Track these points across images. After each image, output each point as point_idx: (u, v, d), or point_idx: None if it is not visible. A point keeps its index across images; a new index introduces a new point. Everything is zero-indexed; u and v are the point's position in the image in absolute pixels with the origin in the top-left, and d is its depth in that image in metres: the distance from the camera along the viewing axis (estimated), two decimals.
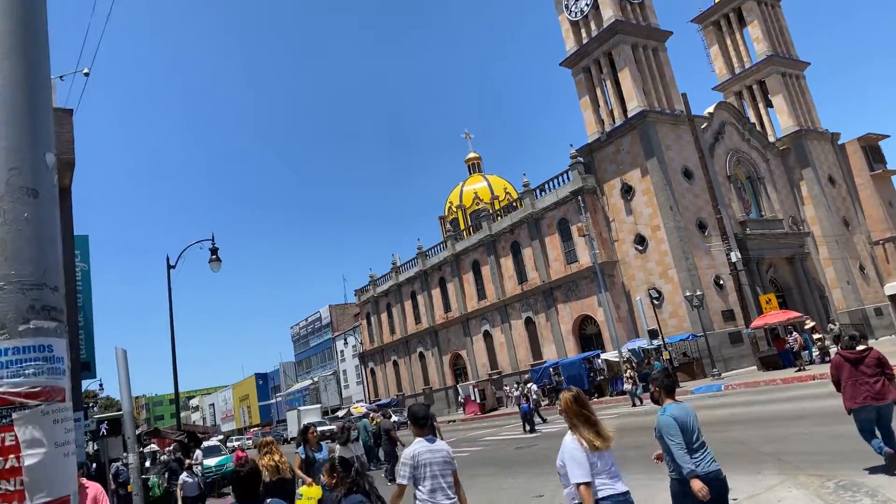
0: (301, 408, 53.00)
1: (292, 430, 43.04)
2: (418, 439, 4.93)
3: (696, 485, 4.46)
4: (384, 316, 60.36)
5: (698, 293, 31.11)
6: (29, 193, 1.53)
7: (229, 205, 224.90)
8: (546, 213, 40.74)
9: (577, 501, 4.09)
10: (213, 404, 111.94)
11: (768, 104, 46.96)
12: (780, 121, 45.58)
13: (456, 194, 62.98)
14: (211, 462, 20.45)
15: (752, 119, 45.68)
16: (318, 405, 57.67)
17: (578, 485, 4.04)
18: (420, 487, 4.73)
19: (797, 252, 40.72)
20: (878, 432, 7.36)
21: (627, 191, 36.93)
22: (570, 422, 4.35)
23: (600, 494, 4.09)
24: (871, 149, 48.04)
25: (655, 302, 33.65)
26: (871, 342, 35.88)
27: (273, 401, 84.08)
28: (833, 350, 27.91)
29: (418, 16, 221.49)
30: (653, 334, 30.21)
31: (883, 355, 7.68)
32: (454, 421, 39.06)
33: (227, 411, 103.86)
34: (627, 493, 4.22)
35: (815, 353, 27.58)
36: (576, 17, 40.47)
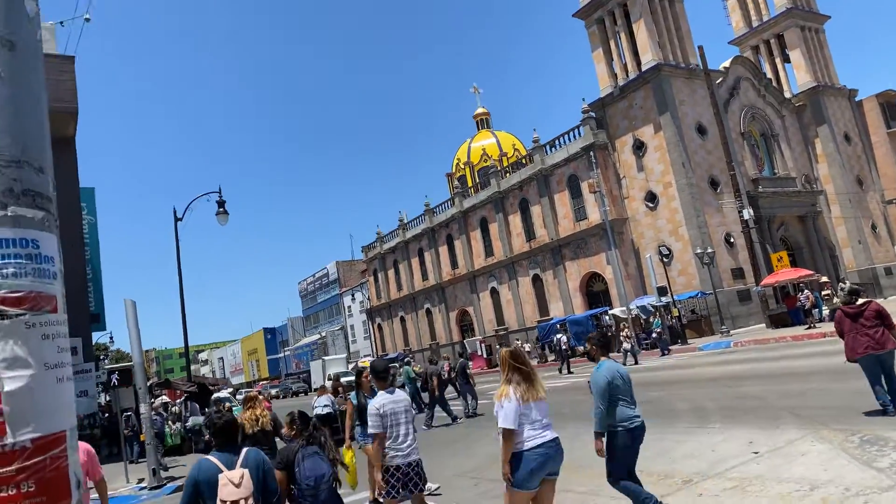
0: (326, 357, 52.34)
1: (316, 381, 42.08)
2: (381, 392, 5.51)
3: (598, 444, 5.07)
4: (391, 272, 60.39)
5: (709, 251, 30.76)
6: (1, 44, 1.14)
7: (238, 159, 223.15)
8: (556, 169, 40.13)
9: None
10: (221, 358, 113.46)
11: (785, 59, 45.65)
12: (797, 76, 44.38)
13: (464, 151, 62.14)
14: None
15: (769, 74, 44.49)
16: (344, 355, 57.42)
17: (502, 428, 4.43)
18: (388, 436, 5.32)
19: (809, 210, 40.17)
20: (884, 382, 7.67)
21: (639, 147, 36.23)
22: (504, 375, 4.61)
23: (529, 444, 4.37)
24: (889, 106, 46.84)
25: (665, 259, 33.31)
26: (880, 300, 35.75)
27: (281, 355, 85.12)
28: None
29: None
30: (661, 291, 30.00)
31: (882, 307, 7.95)
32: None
33: (235, 365, 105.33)
34: (555, 439, 4.51)
35: (826, 311, 27.39)
36: None
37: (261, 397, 8.78)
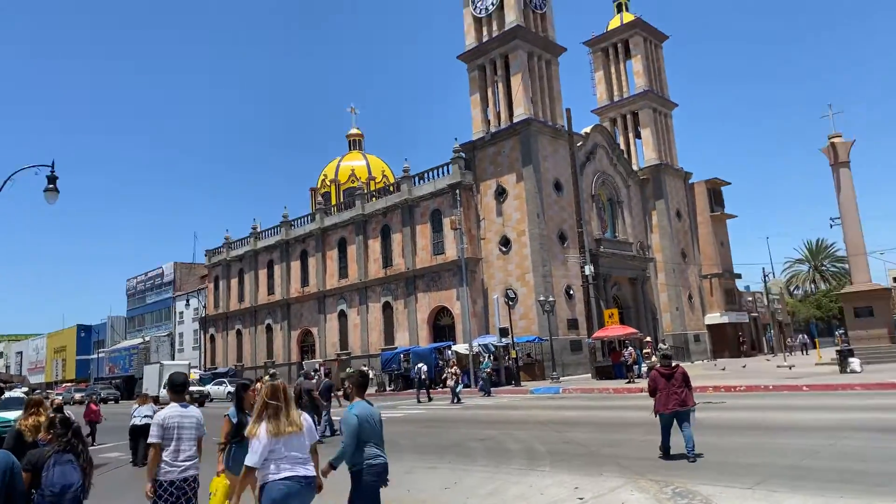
0: (166, 362, 44.65)
1: (149, 387, 36.12)
2: (172, 404, 5.62)
3: (326, 468, 5.11)
4: (234, 282, 57.24)
5: (550, 299, 32.57)
6: None
7: (70, 130, 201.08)
8: (422, 201, 40.70)
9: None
10: (20, 352, 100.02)
11: (637, 135, 50.45)
12: (645, 152, 49.17)
13: (332, 168, 61.19)
14: (10, 416, 17.82)
15: (622, 146, 48.82)
16: (187, 361, 49.06)
17: (246, 466, 4.48)
18: (166, 449, 5.34)
19: (640, 274, 44.12)
20: (682, 430, 9.27)
21: (501, 193, 37.85)
22: (257, 409, 4.67)
23: (275, 476, 4.42)
24: (714, 192, 53.27)
25: (510, 302, 34.76)
26: (687, 364, 39.76)
27: (94, 356, 76.68)
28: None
29: None
30: (503, 332, 31.20)
31: (686, 372, 9.77)
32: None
33: (37, 362, 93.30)
34: (308, 477, 4.55)
35: (644, 368, 29.95)
36: (480, 13, 40.73)
37: (47, 402, 7.71)
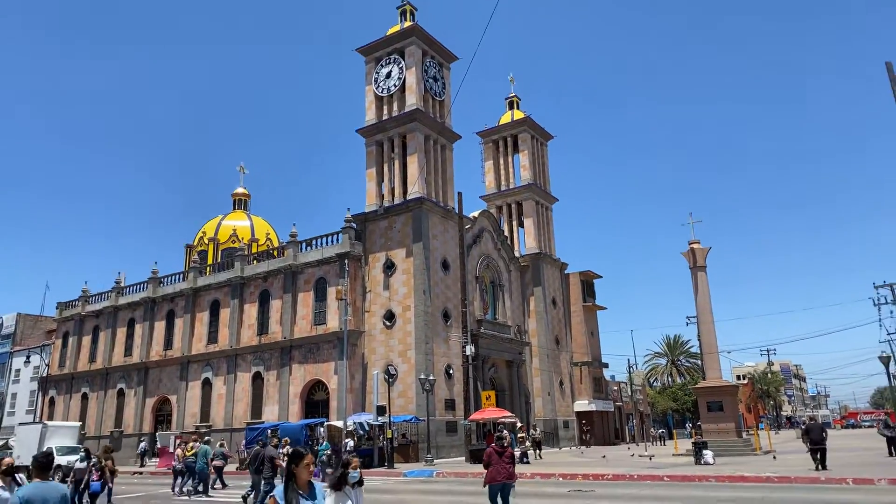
0: (50, 423, 37.26)
1: (21, 455, 29.19)
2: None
3: None
4: (87, 339, 52.03)
5: (430, 378, 32.34)
6: None
7: None
8: (307, 268, 39.75)
9: None
10: None
11: (520, 224, 53.05)
12: (527, 241, 51.66)
13: (212, 226, 58.59)
14: None
15: (506, 233, 51.01)
16: (78, 424, 39.43)
17: None
18: None
19: (516, 358, 45.20)
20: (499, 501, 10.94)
21: (390, 267, 37.90)
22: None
23: None
24: (587, 283, 56.57)
25: (390, 379, 34.12)
26: (554, 450, 40.50)
27: None
28: (530, 452, 30.79)
29: (229, 29, 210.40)
30: (381, 410, 30.34)
31: (513, 451, 12.03)
32: (140, 473, 34.15)
33: None
34: None
35: (518, 452, 30.13)
36: (382, 93, 41.93)
37: None
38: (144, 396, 46.10)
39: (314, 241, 40.65)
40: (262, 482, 15.32)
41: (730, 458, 25.51)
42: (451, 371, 37.39)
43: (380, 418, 30.22)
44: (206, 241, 57.37)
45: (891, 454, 22.36)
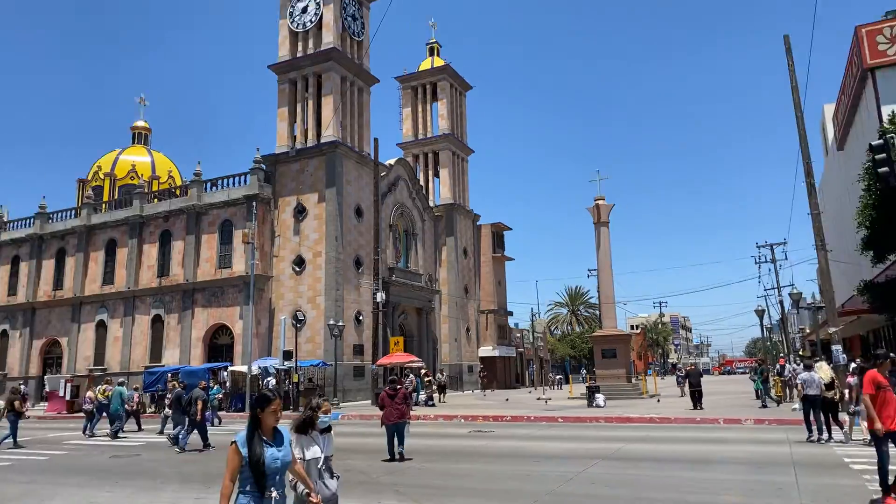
0: None
1: None
2: None
3: None
4: None
5: (340, 324, 32.43)
6: None
7: None
8: (212, 209, 38.20)
9: None
10: None
11: (436, 174, 53.10)
12: (441, 191, 51.92)
13: (108, 160, 54.80)
14: None
15: (422, 182, 50.95)
16: None
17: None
18: None
19: (426, 306, 46.00)
20: (396, 441, 12.38)
21: (301, 211, 37.09)
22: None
23: None
24: (497, 235, 57.92)
25: (298, 325, 33.87)
26: (458, 393, 42.01)
27: None
28: (435, 395, 31.81)
29: None
30: (287, 355, 30.21)
31: (407, 392, 13.93)
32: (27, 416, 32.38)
33: None
34: None
35: (423, 396, 31.13)
36: (297, 28, 40.01)
37: None
38: (31, 338, 43.41)
39: (220, 182, 38.99)
40: (187, 422, 15.87)
41: (620, 402, 27.49)
42: (360, 317, 37.59)
43: (286, 363, 30.12)
44: (102, 177, 53.71)
45: (757, 398, 24.84)
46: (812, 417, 13.96)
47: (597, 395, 25.78)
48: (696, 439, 14.96)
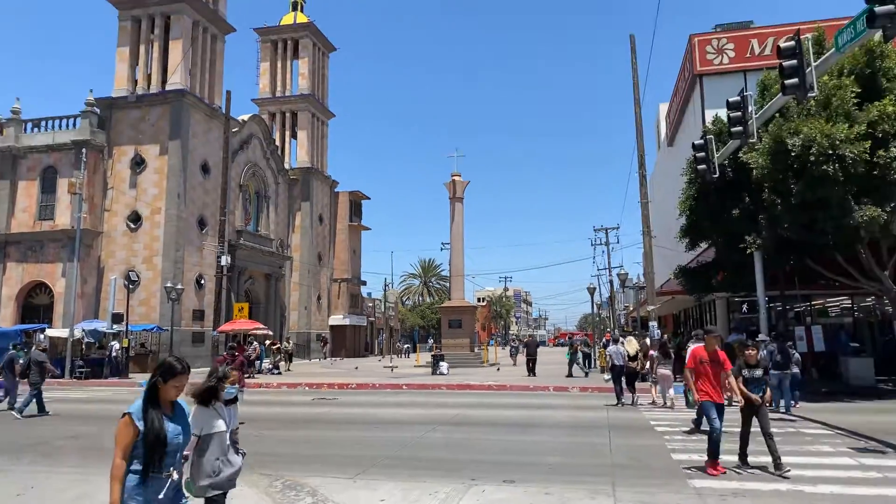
0: None
1: None
2: None
3: None
4: None
5: (179, 287, 30.45)
6: None
7: None
8: (32, 153, 33.84)
9: None
10: None
11: (294, 135, 51.14)
12: (299, 154, 50.15)
13: None
14: None
15: (278, 142, 48.83)
16: None
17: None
18: None
19: (275, 272, 44.54)
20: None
21: (140, 163, 34.02)
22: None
23: None
24: (355, 204, 57.28)
25: (130, 286, 31.24)
26: (305, 362, 41.47)
27: None
28: (282, 364, 31.09)
29: None
30: (116, 318, 27.95)
31: (244, 360, 15.13)
32: None
33: None
34: None
35: (267, 364, 30.34)
36: None
37: None
38: None
39: (44, 123, 34.58)
40: (31, 387, 14.92)
41: (462, 370, 28.69)
42: (202, 281, 35.55)
43: (115, 326, 27.83)
44: None
45: (583, 366, 27.10)
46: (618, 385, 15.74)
47: (441, 364, 26.70)
48: (528, 405, 16.04)
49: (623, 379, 15.76)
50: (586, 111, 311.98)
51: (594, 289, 48.51)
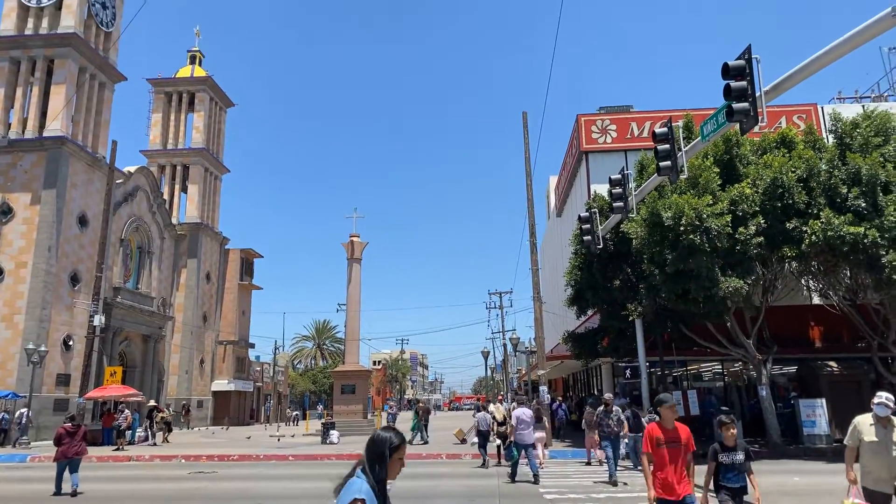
0: None
1: None
2: None
3: None
4: None
5: (42, 348, 27.66)
6: None
7: None
8: None
9: None
10: None
11: (184, 189, 49.17)
12: (188, 209, 48.14)
13: None
14: None
15: (166, 195, 46.70)
16: None
17: None
18: None
19: (155, 332, 41.66)
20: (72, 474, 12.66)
21: (6, 212, 31.25)
22: None
23: None
24: (247, 262, 55.34)
25: None
26: (185, 431, 38.57)
27: None
28: (159, 434, 28.58)
29: None
30: None
31: (86, 430, 14.31)
32: None
33: None
34: None
35: (141, 432, 27.86)
36: (30, 2, 34.34)
37: None
38: None
39: None
40: None
41: (355, 437, 27.66)
42: (70, 342, 32.54)
43: None
44: None
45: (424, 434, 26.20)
46: (484, 448, 16.79)
47: (331, 432, 25.68)
48: (421, 475, 15.67)
49: (496, 443, 16.55)
50: (483, 173, 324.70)
51: (488, 353, 49.22)
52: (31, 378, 27.39)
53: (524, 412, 14.48)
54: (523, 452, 13.89)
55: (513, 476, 13.66)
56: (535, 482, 13.07)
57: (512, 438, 14.58)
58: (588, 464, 16.86)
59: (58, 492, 12.76)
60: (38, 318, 30.12)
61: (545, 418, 22.56)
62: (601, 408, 14.84)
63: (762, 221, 16.09)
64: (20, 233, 31.07)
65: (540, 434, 16.39)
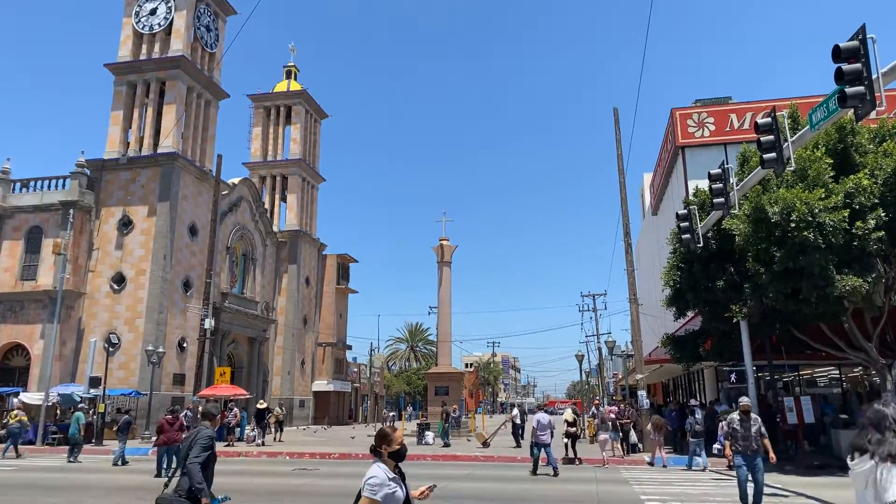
0: None
1: None
2: None
3: None
4: None
5: (160, 350, 29.85)
6: None
7: None
8: (18, 213, 33.81)
9: None
10: None
11: (283, 198, 51.61)
12: (288, 216, 50.46)
13: None
14: None
15: (267, 205, 49.20)
16: None
17: None
18: None
19: (260, 335, 43.92)
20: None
21: (127, 224, 34.02)
22: None
23: None
24: (343, 267, 57.27)
25: (110, 349, 30.62)
26: (290, 430, 40.21)
27: None
28: (268, 437, 29.97)
29: None
30: (94, 382, 27.19)
31: (183, 421, 16.17)
32: None
33: None
34: None
35: (249, 430, 29.38)
36: (144, 30, 37.30)
37: None
38: None
39: (33, 183, 34.72)
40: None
41: (451, 439, 27.89)
42: (185, 344, 34.93)
43: (92, 390, 27.05)
44: None
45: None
46: (544, 453, 16.20)
47: (427, 433, 26.03)
48: (515, 478, 15.56)
49: (566, 441, 18.96)
50: (573, 177, 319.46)
51: (582, 356, 48.16)
52: (151, 377, 29.62)
53: (543, 417, 16.38)
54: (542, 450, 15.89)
55: (534, 471, 15.87)
56: (555, 475, 15.37)
57: (533, 439, 16.28)
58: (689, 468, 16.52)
59: (158, 474, 14.76)
60: (155, 321, 32.54)
61: (638, 423, 21.84)
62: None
63: (882, 214, 14.75)
64: (139, 243, 33.72)
65: (604, 436, 18.79)
